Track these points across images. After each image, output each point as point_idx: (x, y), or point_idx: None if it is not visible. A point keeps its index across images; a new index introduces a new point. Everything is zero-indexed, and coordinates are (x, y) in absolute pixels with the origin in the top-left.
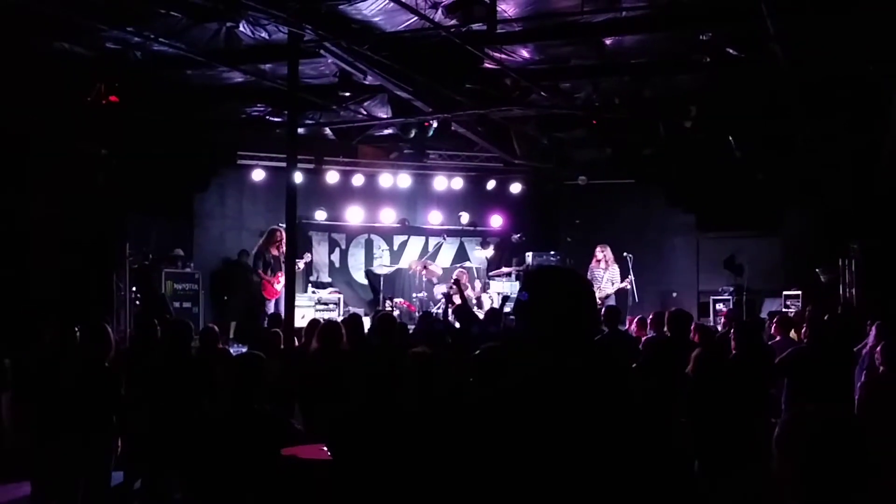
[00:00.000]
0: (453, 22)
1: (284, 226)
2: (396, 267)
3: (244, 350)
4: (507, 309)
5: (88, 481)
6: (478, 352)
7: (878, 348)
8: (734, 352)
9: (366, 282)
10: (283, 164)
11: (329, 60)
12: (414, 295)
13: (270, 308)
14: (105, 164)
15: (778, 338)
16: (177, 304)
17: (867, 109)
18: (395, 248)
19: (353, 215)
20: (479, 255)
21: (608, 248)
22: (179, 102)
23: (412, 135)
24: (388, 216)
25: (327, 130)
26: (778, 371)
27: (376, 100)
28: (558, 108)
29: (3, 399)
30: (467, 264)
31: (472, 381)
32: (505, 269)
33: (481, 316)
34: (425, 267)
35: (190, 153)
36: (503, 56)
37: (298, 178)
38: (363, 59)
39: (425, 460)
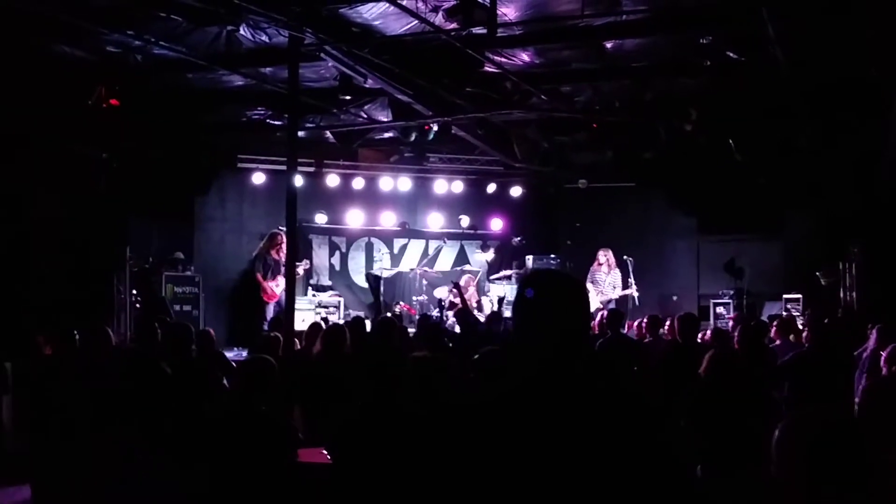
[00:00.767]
0: (454, 25)
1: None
2: (397, 270)
3: (243, 354)
4: (506, 314)
5: (90, 484)
6: (477, 356)
7: (886, 351)
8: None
9: (366, 285)
10: (284, 168)
11: (329, 64)
12: (414, 298)
13: (270, 311)
14: (105, 167)
15: (778, 341)
16: (177, 308)
17: (868, 112)
18: (396, 251)
19: (354, 219)
20: (480, 259)
21: (610, 252)
22: (180, 106)
23: (412, 138)
24: (389, 219)
25: (328, 134)
26: (779, 374)
27: (377, 103)
28: (559, 111)
29: (3, 402)
30: (468, 268)
31: (471, 385)
32: (505, 273)
33: (482, 319)
34: (425, 270)
35: (190, 156)
36: (503, 59)
37: (299, 181)
38: (364, 63)
39: (424, 464)
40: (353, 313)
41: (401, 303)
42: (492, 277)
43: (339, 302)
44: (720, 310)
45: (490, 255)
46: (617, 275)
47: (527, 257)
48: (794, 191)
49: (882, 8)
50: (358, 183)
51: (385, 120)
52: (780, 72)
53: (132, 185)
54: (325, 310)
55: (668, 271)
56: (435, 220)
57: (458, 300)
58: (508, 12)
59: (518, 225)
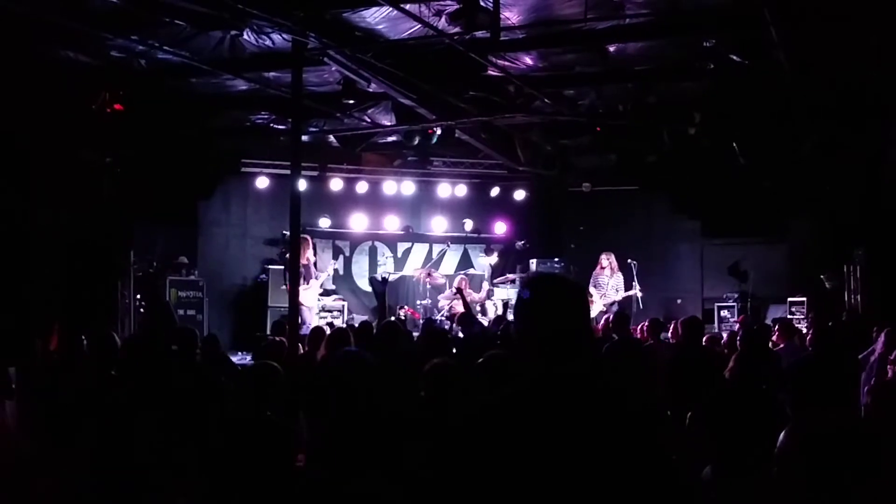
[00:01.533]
0: (457, 29)
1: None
2: (400, 274)
3: (247, 358)
4: (510, 317)
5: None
6: (481, 360)
7: (894, 353)
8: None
9: (370, 289)
10: (287, 172)
11: (333, 68)
12: (418, 302)
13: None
14: (109, 172)
15: (782, 344)
16: (181, 312)
17: (872, 116)
18: (399, 255)
19: (357, 222)
20: (483, 262)
21: (613, 256)
22: (184, 110)
23: (416, 142)
24: (392, 223)
25: (331, 138)
26: (783, 377)
27: (380, 107)
28: (562, 114)
29: (7, 407)
30: (471, 271)
31: (474, 389)
32: (509, 276)
33: (486, 324)
34: (429, 274)
35: (194, 161)
36: (507, 63)
37: (302, 185)
38: (367, 67)
39: (430, 469)
40: (357, 317)
41: (405, 307)
42: (496, 281)
43: (343, 306)
44: (724, 313)
45: (494, 258)
46: (619, 278)
47: (531, 261)
48: (798, 194)
49: (885, 14)
50: (361, 187)
51: (388, 124)
52: (783, 75)
53: (136, 190)
54: (330, 314)
55: (673, 275)
56: (439, 224)
57: (459, 304)
58: (511, 16)
59: (522, 229)
